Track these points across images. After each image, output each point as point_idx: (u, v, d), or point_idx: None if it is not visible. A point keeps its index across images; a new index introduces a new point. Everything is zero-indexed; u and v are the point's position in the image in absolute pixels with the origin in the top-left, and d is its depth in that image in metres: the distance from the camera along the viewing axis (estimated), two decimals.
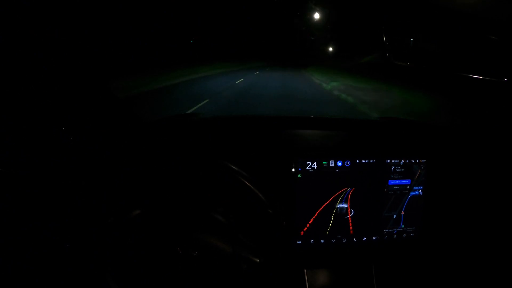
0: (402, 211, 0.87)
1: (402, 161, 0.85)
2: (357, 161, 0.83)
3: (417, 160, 0.86)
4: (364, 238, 0.86)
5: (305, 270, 0.87)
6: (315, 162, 0.81)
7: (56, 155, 0.65)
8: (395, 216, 0.87)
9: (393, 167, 0.85)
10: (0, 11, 0.57)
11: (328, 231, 0.84)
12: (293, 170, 0.80)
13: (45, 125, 0.65)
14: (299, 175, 0.80)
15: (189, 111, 5.32)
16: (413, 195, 0.87)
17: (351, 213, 0.84)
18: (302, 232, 0.83)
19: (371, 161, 0.83)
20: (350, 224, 0.85)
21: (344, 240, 0.85)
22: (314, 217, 0.83)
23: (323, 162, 0.81)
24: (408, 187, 0.87)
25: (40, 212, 0.60)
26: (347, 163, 0.82)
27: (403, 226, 0.88)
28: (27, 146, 0.62)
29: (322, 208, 0.83)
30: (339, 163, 0.82)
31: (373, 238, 0.87)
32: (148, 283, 0.61)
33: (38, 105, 0.63)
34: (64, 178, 0.64)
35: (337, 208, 0.83)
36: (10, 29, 0.59)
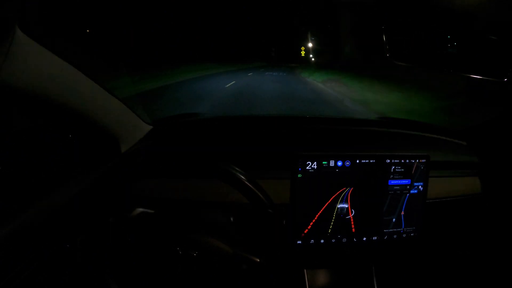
0: (402, 211, 0.87)
1: (402, 161, 0.85)
2: (357, 161, 0.82)
3: (417, 160, 0.86)
4: (364, 238, 0.86)
5: (305, 270, 0.87)
6: (315, 162, 0.81)
7: (57, 154, 0.65)
8: (395, 216, 0.87)
9: (393, 167, 0.85)
10: (0, 11, 0.57)
11: (329, 231, 0.84)
12: (293, 170, 0.80)
13: (45, 124, 0.65)
14: (299, 175, 0.80)
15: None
16: (413, 195, 0.87)
17: (351, 213, 0.84)
18: (305, 232, 0.83)
19: (371, 161, 0.83)
20: (352, 224, 0.85)
21: (344, 240, 0.85)
22: (316, 217, 0.83)
23: (323, 162, 0.81)
24: (408, 187, 0.87)
25: (40, 212, 0.60)
26: (347, 163, 0.82)
27: (403, 226, 0.88)
28: (27, 146, 0.62)
29: (323, 209, 0.83)
30: (339, 163, 0.82)
31: (373, 238, 0.87)
32: (148, 283, 0.61)
33: (38, 104, 0.63)
34: (64, 178, 0.64)
35: (338, 208, 0.83)
36: (11, 30, 0.59)
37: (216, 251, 0.58)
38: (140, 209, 0.63)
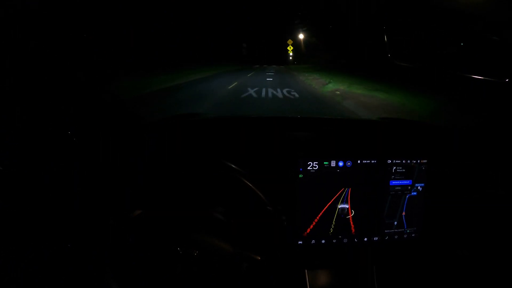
0: (403, 212, 0.87)
1: (403, 161, 0.85)
2: (358, 162, 0.82)
3: (418, 161, 0.86)
4: (365, 239, 0.86)
5: (306, 270, 0.86)
6: (317, 163, 0.81)
7: (57, 154, 0.65)
8: (396, 216, 0.87)
9: (394, 167, 0.85)
10: (0, 11, 0.57)
11: (330, 231, 0.84)
12: (295, 170, 0.80)
13: (46, 125, 0.65)
14: (301, 176, 0.80)
15: None
16: (414, 196, 0.87)
17: (352, 214, 0.84)
18: (306, 232, 0.83)
19: (372, 161, 0.83)
20: (352, 225, 0.85)
21: (345, 240, 0.85)
22: (317, 218, 0.83)
23: (325, 163, 0.81)
24: (409, 187, 0.86)
25: (41, 212, 0.60)
26: (349, 163, 0.82)
27: (404, 227, 0.88)
28: (28, 146, 0.62)
29: (325, 209, 0.83)
30: (341, 164, 0.82)
31: (374, 238, 0.87)
32: (148, 283, 0.61)
33: (39, 104, 0.63)
34: (65, 178, 0.64)
35: (339, 208, 0.83)
36: (12, 29, 0.59)
37: (217, 250, 0.58)
38: (141, 209, 0.63)
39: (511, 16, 0.58)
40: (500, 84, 0.68)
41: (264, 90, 8.20)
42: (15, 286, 0.54)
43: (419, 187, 0.87)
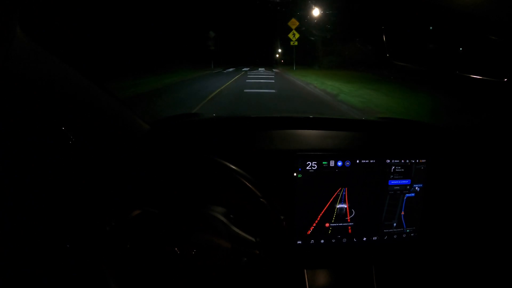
0: (402, 211, 0.87)
1: (402, 161, 0.85)
2: (357, 161, 0.82)
3: (417, 160, 0.86)
4: (364, 238, 0.86)
5: (305, 270, 0.87)
6: (315, 162, 0.81)
7: (57, 154, 0.65)
8: (395, 216, 0.87)
9: (393, 167, 0.85)
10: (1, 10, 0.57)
11: (329, 231, 0.84)
12: (293, 170, 0.80)
13: (46, 125, 0.64)
14: (299, 175, 0.80)
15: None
16: (413, 195, 0.87)
17: (351, 214, 0.84)
18: (306, 233, 0.83)
19: (371, 161, 0.83)
20: (350, 225, 0.85)
21: (344, 240, 0.85)
22: (317, 218, 0.83)
23: (323, 162, 0.81)
24: (408, 187, 0.87)
25: (41, 212, 0.60)
26: (347, 163, 0.82)
27: (403, 226, 0.88)
28: (27, 145, 0.62)
29: (324, 209, 0.83)
30: (339, 163, 0.82)
31: (373, 238, 0.87)
32: (148, 282, 0.61)
33: (39, 105, 0.63)
34: (64, 178, 0.64)
35: (338, 208, 0.83)
36: (11, 30, 0.59)
37: (215, 247, 0.59)
38: (140, 209, 0.63)
39: (511, 16, 0.58)
40: (499, 83, 0.68)
41: None
42: (15, 286, 0.55)
43: (417, 187, 0.87)
